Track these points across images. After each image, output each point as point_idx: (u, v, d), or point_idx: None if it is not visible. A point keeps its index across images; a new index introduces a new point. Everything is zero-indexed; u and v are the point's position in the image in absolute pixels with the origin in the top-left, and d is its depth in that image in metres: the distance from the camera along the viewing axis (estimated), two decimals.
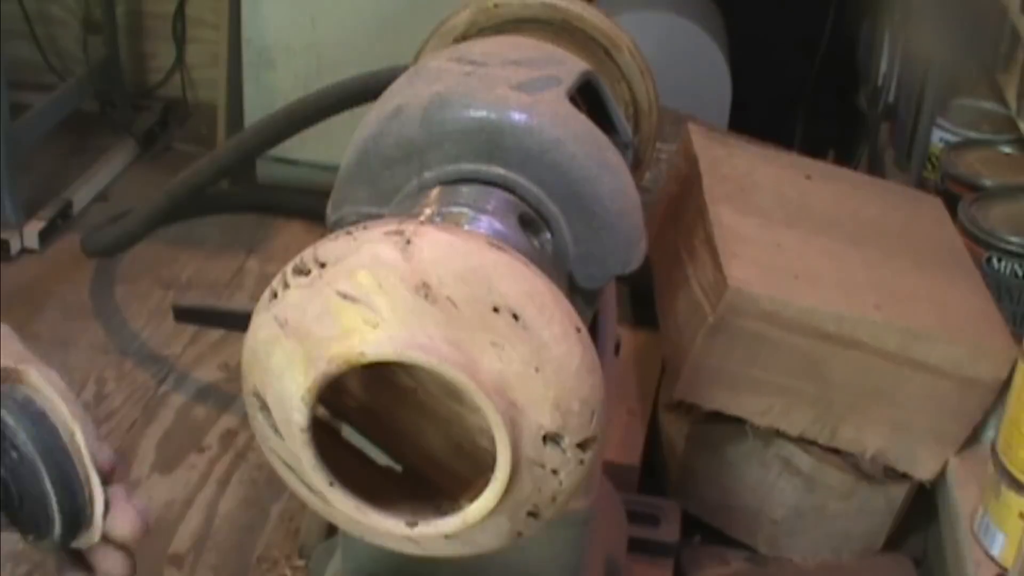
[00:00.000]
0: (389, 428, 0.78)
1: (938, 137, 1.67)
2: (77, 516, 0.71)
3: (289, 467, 0.74)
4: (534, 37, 1.09)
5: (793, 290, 1.25)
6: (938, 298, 1.30)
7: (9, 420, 0.70)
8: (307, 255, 0.73)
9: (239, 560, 1.45)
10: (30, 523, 0.71)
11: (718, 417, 1.30)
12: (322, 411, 0.71)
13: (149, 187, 2.05)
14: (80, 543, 0.72)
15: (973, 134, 1.65)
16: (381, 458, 0.78)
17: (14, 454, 0.69)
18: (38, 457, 0.70)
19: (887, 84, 1.88)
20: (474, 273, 0.70)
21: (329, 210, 0.91)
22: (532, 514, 0.74)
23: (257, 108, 2.13)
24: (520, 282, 0.71)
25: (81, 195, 2.21)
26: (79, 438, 0.72)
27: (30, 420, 0.71)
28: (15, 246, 2.05)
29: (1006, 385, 1.21)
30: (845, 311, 1.24)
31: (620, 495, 1.26)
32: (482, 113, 0.86)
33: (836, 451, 1.30)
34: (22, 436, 0.70)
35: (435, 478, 0.76)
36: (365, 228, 0.73)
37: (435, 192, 0.86)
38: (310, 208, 2.11)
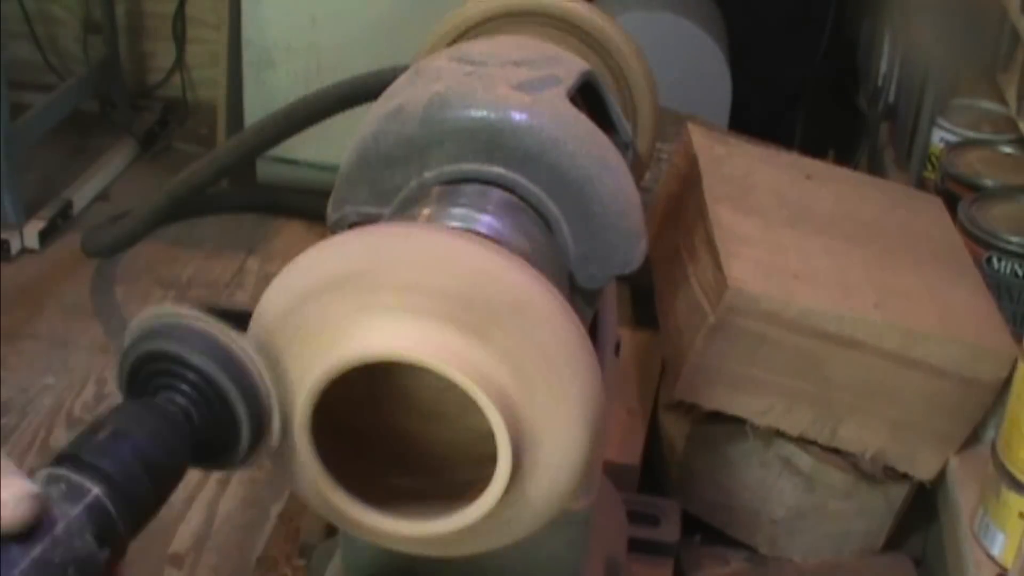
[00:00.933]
0: (389, 428, 0.78)
1: (938, 137, 1.67)
2: (262, 417, 0.68)
3: (289, 467, 0.74)
4: (535, 37, 1.09)
5: (793, 290, 1.25)
6: (938, 298, 1.30)
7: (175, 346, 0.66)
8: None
9: (239, 560, 1.45)
10: (215, 450, 0.68)
11: (718, 417, 1.30)
12: (322, 411, 0.71)
13: (149, 187, 2.05)
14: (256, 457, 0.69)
15: (973, 134, 1.65)
16: (383, 459, 0.78)
17: (190, 374, 0.66)
18: (218, 369, 0.66)
19: (887, 84, 1.88)
20: (474, 273, 0.70)
21: (329, 210, 0.91)
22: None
23: (257, 108, 2.13)
24: (517, 282, 0.71)
25: (81, 195, 2.21)
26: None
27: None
28: (15, 246, 2.05)
29: (1006, 385, 1.21)
30: (845, 311, 1.24)
31: (620, 495, 1.26)
32: (482, 113, 0.86)
33: (836, 451, 1.30)
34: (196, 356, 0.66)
35: (436, 478, 0.76)
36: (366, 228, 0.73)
37: (435, 192, 0.86)
38: (310, 208, 2.11)
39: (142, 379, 0.66)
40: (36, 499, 0.55)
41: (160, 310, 0.66)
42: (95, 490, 0.58)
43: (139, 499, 0.60)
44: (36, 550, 0.54)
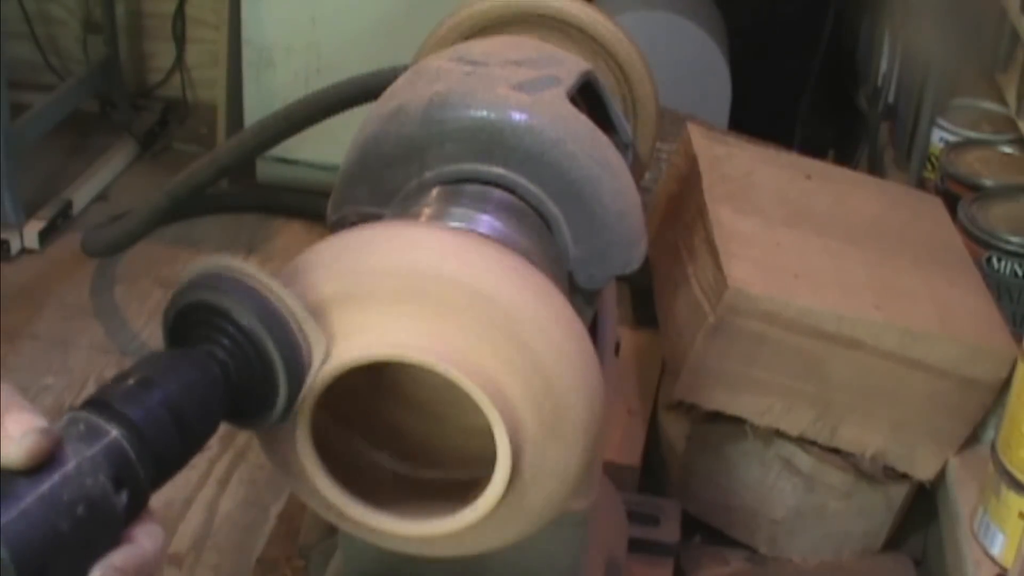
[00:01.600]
0: (389, 428, 0.78)
1: (938, 137, 1.67)
2: (300, 376, 0.66)
3: (289, 467, 0.74)
4: (535, 36, 1.09)
5: (793, 290, 1.25)
6: (938, 298, 1.30)
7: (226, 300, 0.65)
8: None
9: (239, 560, 1.45)
10: (251, 407, 0.66)
11: (718, 417, 1.30)
12: (322, 411, 0.71)
13: (149, 187, 2.05)
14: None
15: (973, 134, 1.65)
16: (382, 459, 0.78)
17: (231, 328, 0.64)
18: (259, 324, 0.64)
19: (887, 84, 1.88)
20: (474, 274, 0.70)
21: (329, 210, 0.91)
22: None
23: (257, 108, 2.13)
24: (518, 283, 0.72)
25: (81, 195, 2.21)
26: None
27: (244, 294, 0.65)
28: (15, 246, 2.05)
29: (1006, 385, 1.21)
30: (845, 311, 1.24)
31: (620, 495, 1.26)
32: (482, 113, 0.86)
33: (836, 451, 1.30)
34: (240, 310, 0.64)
35: (435, 478, 0.76)
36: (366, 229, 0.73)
37: (435, 192, 0.86)
38: (310, 208, 2.11)
39: (186, 328, 0.65)
40: (44, 433, 0.54)
41: (212, 260, 0.65)
42: (114, 432, 0.56)
43: (164, 449, 0.59)
44: (43, 486, 0.53)
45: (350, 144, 0.90)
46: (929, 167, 1.67)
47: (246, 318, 0.64)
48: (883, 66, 1.90)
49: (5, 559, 0.50)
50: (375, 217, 0.88)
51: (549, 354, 0.70)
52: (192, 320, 0.65)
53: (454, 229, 0.81)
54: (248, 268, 0.65)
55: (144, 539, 0.57)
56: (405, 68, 0.98)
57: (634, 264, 0.90)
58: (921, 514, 1.35)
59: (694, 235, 1.34)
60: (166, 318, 0.66)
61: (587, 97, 1.01)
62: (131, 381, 0.60)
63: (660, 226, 1.44)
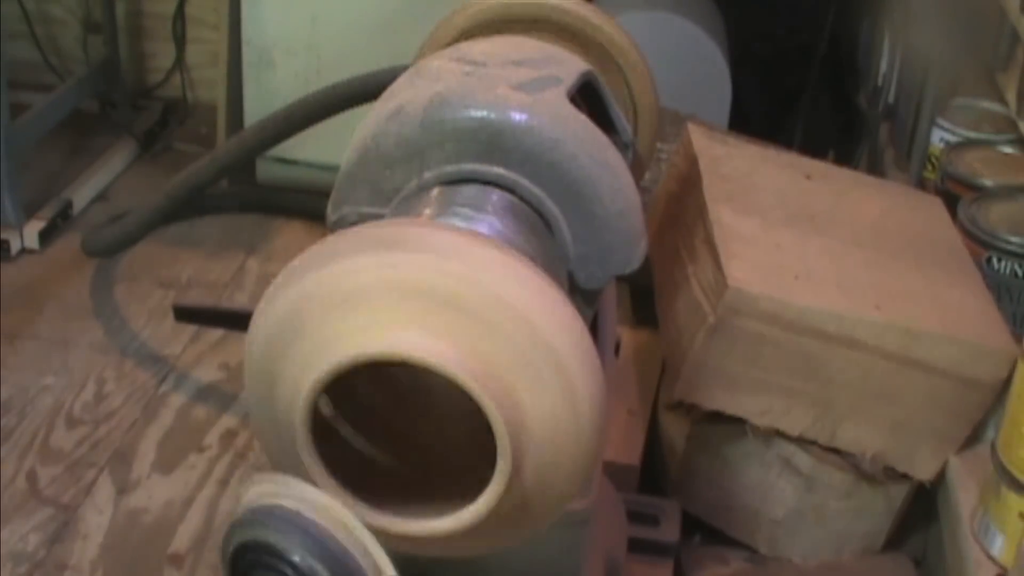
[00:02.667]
0: (389, 428, 0.78)
1: (938, 137, 1.67)
2: None
3: (289, 467, 0.74)
4: (535, 37, 1.09)
5: (793, 290, 1.25)
6: (938, 298, 1.30)
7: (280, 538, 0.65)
8: None
9: None
10: None
11: (718, 417, 1.30)
12: (323, 410, 0.71)
13: (149, 187, 2.05)
14: None
15: (973, 134, 1.65)
16: (383, 459, 0.78)
17: (291, 572, 0.65)
18: (318, 564, 0.65)
19: (887, 84, 1.88)
20: (476, 273, 0.70)
21: (329, 210, 0.91)
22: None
23: (257, 108, 2.13)
24: (520, 282, 0.72)
25: (81, 195, 2.21)
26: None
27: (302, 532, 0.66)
28: (15, 246, 2.05)
29: (1006, 385, 1.21)
30: (845, 311, 1.24)
31: (620, 495, 1.26)
32: (482, 113, 0.86)
33: (836, 451, 1.30)
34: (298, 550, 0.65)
35: (435, 478, 0.76)
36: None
37: (435, 192, 0.87)
38: (310, 208, 2.11)
39: (244, 566, 0.66)
40: None
41: (262, 488, 0.65)
42: None
43: None
44: None
45: (350, 144, 0.90)
46: (929, 167, 1.67)
47: (304, 558, 0.65)
48: (883, 66, 1.90)
49: None
50: (375, 217, 0.88)
51: (550, 353, 0.70)
52: (250, 559, 0.66)
53: (455, 228, 0.81)
54: (301, 495, 0.65)
55: None
56: (405, 68, 0.98)
57: (634, 264, 0.90)
58: (921, 514, 1.35)
59: (694, 235, 1.34)
60: (223, 557, 0.67)
61: (587, 97, 1.01)
62: None
63: (660, 226, 1.44)
